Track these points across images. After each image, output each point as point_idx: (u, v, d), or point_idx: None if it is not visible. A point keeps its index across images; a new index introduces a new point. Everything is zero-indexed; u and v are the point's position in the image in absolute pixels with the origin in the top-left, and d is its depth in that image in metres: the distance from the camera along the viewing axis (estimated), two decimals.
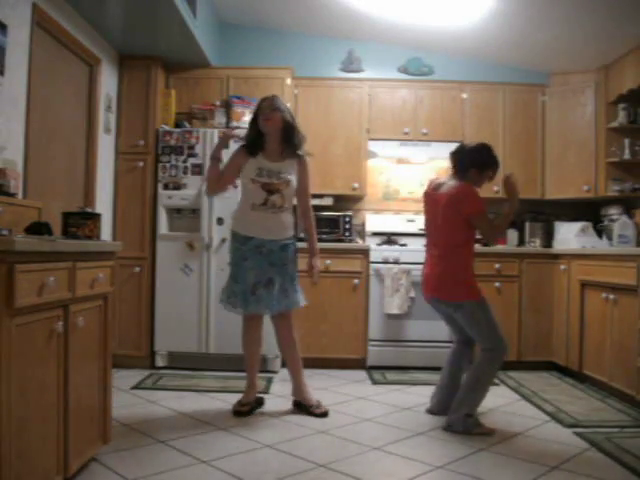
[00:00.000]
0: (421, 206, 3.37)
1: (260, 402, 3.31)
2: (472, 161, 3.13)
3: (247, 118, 4.43)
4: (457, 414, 2.97)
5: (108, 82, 4.20)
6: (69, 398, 2.09)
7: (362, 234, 5.00)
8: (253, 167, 3.15)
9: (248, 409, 3.19)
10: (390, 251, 4.47)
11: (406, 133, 4.79)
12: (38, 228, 2.31)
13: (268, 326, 3.32)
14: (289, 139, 3.16)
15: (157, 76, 4.40)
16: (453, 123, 4.80)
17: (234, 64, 4.82)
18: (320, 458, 2.54)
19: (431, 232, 3.24)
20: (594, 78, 4.60)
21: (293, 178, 3.18)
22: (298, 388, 3.29)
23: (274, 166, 3.15)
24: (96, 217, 2.53)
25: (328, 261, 4.41)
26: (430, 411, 3.29)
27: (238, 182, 3.32)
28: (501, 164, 4.70)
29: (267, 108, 3.12)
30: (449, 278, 3.09)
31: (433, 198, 3.19)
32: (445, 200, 3.08)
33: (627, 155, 4.39)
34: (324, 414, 3.17)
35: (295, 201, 3.32)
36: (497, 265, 4.40)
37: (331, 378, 4.10)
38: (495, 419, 3.19)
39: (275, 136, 3.15)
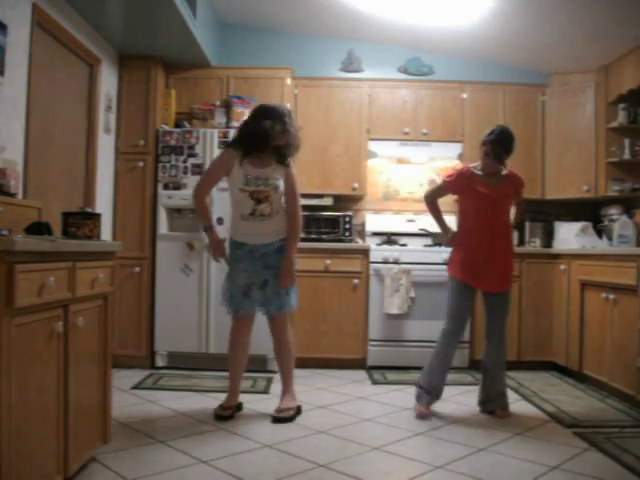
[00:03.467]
0: (421, 206, 3.45)
1: (240, 407, 3.25)
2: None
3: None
4: None
5: (108, 82, 4.20)
6: (69, 398, 2.09)
7: (362, 234, 4.99)
8: (240, 175, 3.08)
9: (230, 413, 3.12)
10: (390, 251, 4.47)
11: (406, 133, 4.79)
12: (38, 228, 2.31)
13: (265, 327, 3.29)
14: (283, 150, 3.12)
15: (157, 76, 4.40)
16: (453, 123, 4.80)
17: (234, 64, 4.82)
18: (320, 458, 2.54)
19: None
20: (594, 78, 4.60)
21: (280, 183, 3.12)
22: (282, 390, 3.25)
23: (261, 172, 3.08)
24: (96, 217, 2.54)
25: (328, 261, 4.41)
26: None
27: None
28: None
29: (279, 132, 3.04)
30: None
31: None
32: None
33: (627, 155, 4.39)
34: (277, 419, 3.06)
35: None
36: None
37: (331, 378, 4.10)
38: (495, 419, 3.20)
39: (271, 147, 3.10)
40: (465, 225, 3.32)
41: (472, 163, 3.39)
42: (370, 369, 4.36)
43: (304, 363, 4.12)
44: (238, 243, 3.16)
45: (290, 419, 3.10)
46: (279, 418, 3.08)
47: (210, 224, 3.23)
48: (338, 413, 3.21)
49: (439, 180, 3.45)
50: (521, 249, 4.62)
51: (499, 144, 3.20)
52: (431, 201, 3.39)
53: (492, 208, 3.23)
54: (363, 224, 5.02)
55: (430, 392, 3.25)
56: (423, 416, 3.17)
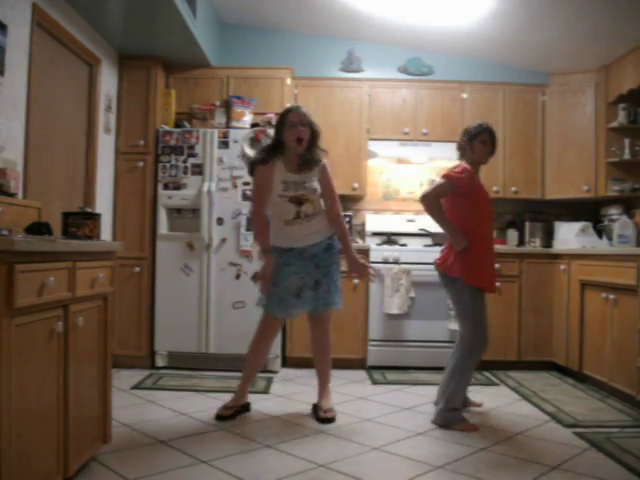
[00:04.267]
0: (421, 206, 3.25)
1: (247, 407, 3.23)
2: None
3: (247, 118, 4.45)
4: (438, 407, 3.05)
5: (108, 82, 4.20)
6: (69, 398, 2.09)
7: (362, 234, 4.99)
8: (278, 181, 3.08)
9: (231, 413, 3.11)
10: (390, 251, 4.47)
11: (406, 133, 4.79)
12: (38, 228, 2.31)
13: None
14: (311, 150, 3.13)
15: (157, 76, 4.40)
16: (453, 123, 4.79)
17: (234, 64, 4.82)
18: (320, 458, 2.54)
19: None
20: (594, 78, 4.60)
21: (317, 185, 3.14)
22: (319, 391, 3.26)
23: (298, 177, 3.09)
24: (96, 217, 2.54)
25: None
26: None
27: None
28: (501, 164, 4.75)
29: (298, 125, 3.07)
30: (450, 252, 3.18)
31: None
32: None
33: (627, 155, 4.38)
34: (326, 420, 3.07)
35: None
36: (497, 265, 4.37)
37: (331, 378, 4.09)
38: (495, 419, 3.20)
39: (299, 148, 3.10)
40: (474, 227, 3.08)
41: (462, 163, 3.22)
42: (370, 369, 4.36)
43: (304, 363, 4.12)
44: (284, 249, 3.12)
45: (335, 419, 3.11)
46: (327, 418, 3.08)
47: (269, 246, 3.10)
48: (338, 413, 3.21)
49: (438, 179, 3.19)
50: (521, 249, 4.63)
51: (492, 133, 3.19)
52: (433, 202, 3.06)
53: (491, 207, 3.20)
54: (363, 224, 5.02)
55: (461, 408, 3.09)
56: (476, 429, 2.98)
